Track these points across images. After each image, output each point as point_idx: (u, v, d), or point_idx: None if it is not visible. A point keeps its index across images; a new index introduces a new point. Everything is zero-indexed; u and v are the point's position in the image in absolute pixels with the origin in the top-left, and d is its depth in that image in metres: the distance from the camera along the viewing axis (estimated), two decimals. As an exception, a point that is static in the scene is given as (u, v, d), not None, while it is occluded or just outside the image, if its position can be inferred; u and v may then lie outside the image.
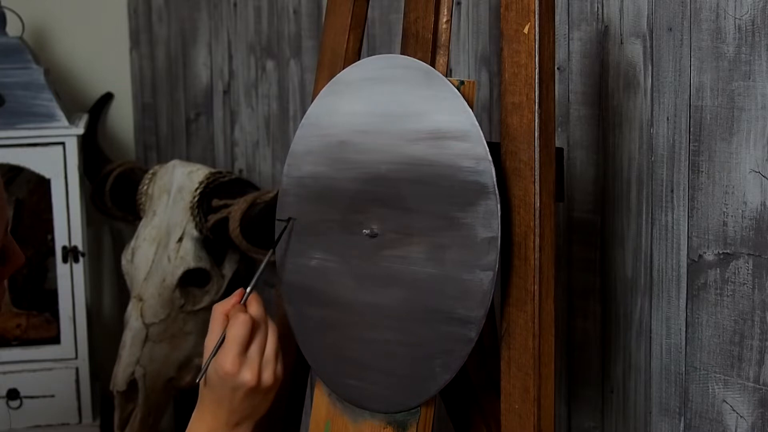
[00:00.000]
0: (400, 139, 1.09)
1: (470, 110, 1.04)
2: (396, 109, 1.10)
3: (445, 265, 1.05)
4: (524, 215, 1.02)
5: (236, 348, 1.11)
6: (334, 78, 1.18)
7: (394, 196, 1.09)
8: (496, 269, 1.01)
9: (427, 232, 1.07)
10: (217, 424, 1.14)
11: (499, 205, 1.01)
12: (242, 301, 1.15)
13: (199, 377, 1.14)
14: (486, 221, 1.02)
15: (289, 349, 1.25)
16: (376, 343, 1.12)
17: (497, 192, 1.01)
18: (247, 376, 1.11)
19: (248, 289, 1.16)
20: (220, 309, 1.15)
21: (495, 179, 1.01)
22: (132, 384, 2.00)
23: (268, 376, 1.13)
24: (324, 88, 1.19)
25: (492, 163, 1.02)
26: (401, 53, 1.17)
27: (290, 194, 1.22)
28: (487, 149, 1.02)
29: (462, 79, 1.07)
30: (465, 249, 1.03)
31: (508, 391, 1.05)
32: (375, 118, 1.12)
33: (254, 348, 1.12)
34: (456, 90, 1.05)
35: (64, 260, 2.13)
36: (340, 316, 1.16)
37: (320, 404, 1.22)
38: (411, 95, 1.08)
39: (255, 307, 1.15)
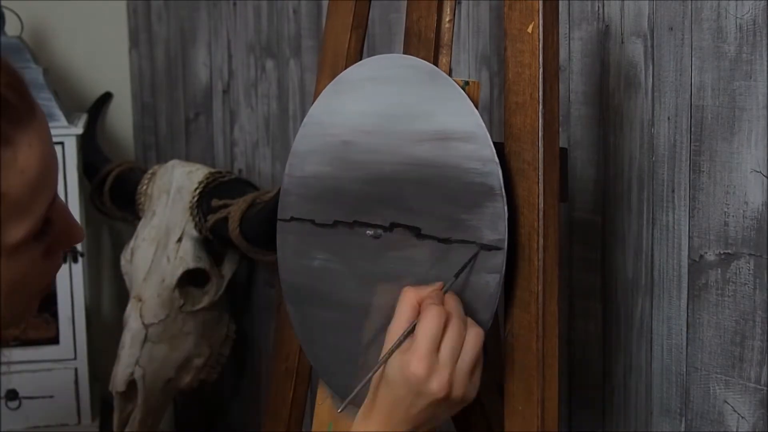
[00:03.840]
0: (404, 139, 1.09)
1: (476, 111, 1.04)
2: (401, 109, 1.09)
3: (450, 268, 1.04)
4: (528, 216, 1.02)
5: (427, 345, 0.94)
6: (337, 77, 1.18)
7: (398, 197, 1.09)
8: (503, 272, 1.01)
9: (432, 234, 1.06)
10: (389, 427, 0.98)
11: (506, 207, 1.00)
12: (444, 290, 0.99)
13: (378, 367, 0.98)
14: (493, 224, 1.01)
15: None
16: (381, 344, 1.12)
17: (504, 194, 1.01)
18: (435, 386, 0.94)
19: (449, 284, 1.00)
20: (412, 294, 0.98)
21: (502, 181, 1.01)
22: (131, 385, 2.00)
23: (458, 389, 0.96)
24: (327, 87, 1.18)
25: (499, 165, 1.01)
26: (403, 53, 1.17)
27: (292, 194, 1.22)
28: (494, 151, 1.02)
29: (467, 80, 1.07)
30: (471, 251, 1.03)
31: (511, 392, 1.05)
32: (379, 118, 1.12)
33: (446, 351, 0.95)
34: (462, 91, 1.05)
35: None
36: (343, 318, 1.16)
37: (323, 406, 1.21)
38: (416, 96, 1.08)
39: (453, 302, 0.98)
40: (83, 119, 2.29)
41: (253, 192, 1.95)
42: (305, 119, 1.21)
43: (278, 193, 1.26)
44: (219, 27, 2.23)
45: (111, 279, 2.59)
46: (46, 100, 2.14)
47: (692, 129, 1.21)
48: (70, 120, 2.18)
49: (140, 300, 2.01)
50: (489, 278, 1.02)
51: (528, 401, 1.03)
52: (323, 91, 1.19)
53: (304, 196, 1.20)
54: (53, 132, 2.10)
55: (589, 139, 1.35)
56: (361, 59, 1.23)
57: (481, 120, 1.03)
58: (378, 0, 1.69)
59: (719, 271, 1.19)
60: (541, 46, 1.01)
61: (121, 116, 2.59)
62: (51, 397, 2.16)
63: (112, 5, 2.56)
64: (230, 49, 2.20)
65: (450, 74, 1.12)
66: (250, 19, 2.12)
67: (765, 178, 1.13)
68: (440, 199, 1.05)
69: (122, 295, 2.38)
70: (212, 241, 2.01)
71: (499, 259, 1.01)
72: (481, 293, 1.02)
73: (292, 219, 1.21)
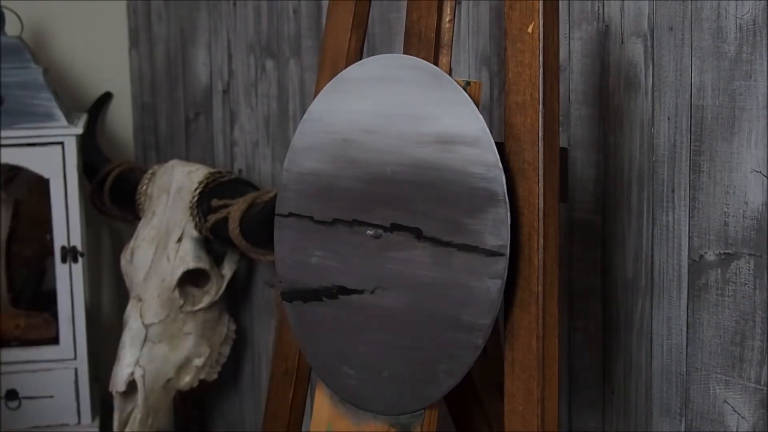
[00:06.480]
0: (407, 140, 1.09)
1: (481, 116, 1.04)
2: (404, 110, 1.09)
3: (451, 271, 1.04)
4: (528, 216, 1.02)
5: None
6: (339, 75, 1.17)
7: (399, 198, 1.09)
8: (505, 278, 1.01)
9: (434, 237, 1.06)
10: None
11: (509, 214, 1.00)
12: None
13: None
14: (495, 229, 1.01)
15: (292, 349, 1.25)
16: (379, 344, 1.12)
17: (507, 200, 1.01)
18: None
19: None
20: None
21: (506, 187, 1.01)
22: (131, 385, 2.00)
23: None
24: (327, 85, 1.18)
25: (503, 171, 1.01)
26: (404, 53, 1.17)
27: (290, 189, 1.21)
28: (498, 157, 1.02)
29: (468, 80, 1.07)
30: (473, 255, 1.03)
31: (511, 392, 1.05)
32: (380, 118, 1.11)
33: None
34: (467, 94, 1.05)
35: (63, 260, 2.13)
36: (341, 316, 1.16)
37: (321, 406, 1.21)
38: (420, 97, 1.08)
39: None
40: (83, 119, 2.29)
41: (253, 192, 1.95)
42: (305, 115, 1.21)
43: (279, 192, 1.26)
44: (219, 27, 2.23)
45: (111, 279, 2.59)
46: (45, 100, 2.14)
47: (692, 129, 1.21)
48: (70, 120, 2.18)
49: (140, 300, 2.01)
50: (491, 283, 1.02)
51: (528, 401, 1.03)
52: (324, 88, 1.19)
53: (303, 192, 1.20)
54: (54, 132, 2.13)
55: (589, 139, 1.35)
56: (361, 59, 1.23)
57: (485, 125, 1.03)
58: (378, 0, 1.69)
59: (719, 271, 1.19)
60: (541, 46, 1.01)
61: (121, 116, 2.59)
62: (51, 397, 2.16)
63: (112, 5, 2.56)
64: (230, 49, 2.20)
65: (450, 74, 1.12)
66: (250, 19, 2.12)
67: (765, 178, 1.13)
68: (442, 201, 1.05)
69: (122, 295, 2.38)
70: (212, 241, 2.00)
71: (502, 264, 1.01)
72: (483, 298, 1.02)
73: (290, 215, 1.21)
